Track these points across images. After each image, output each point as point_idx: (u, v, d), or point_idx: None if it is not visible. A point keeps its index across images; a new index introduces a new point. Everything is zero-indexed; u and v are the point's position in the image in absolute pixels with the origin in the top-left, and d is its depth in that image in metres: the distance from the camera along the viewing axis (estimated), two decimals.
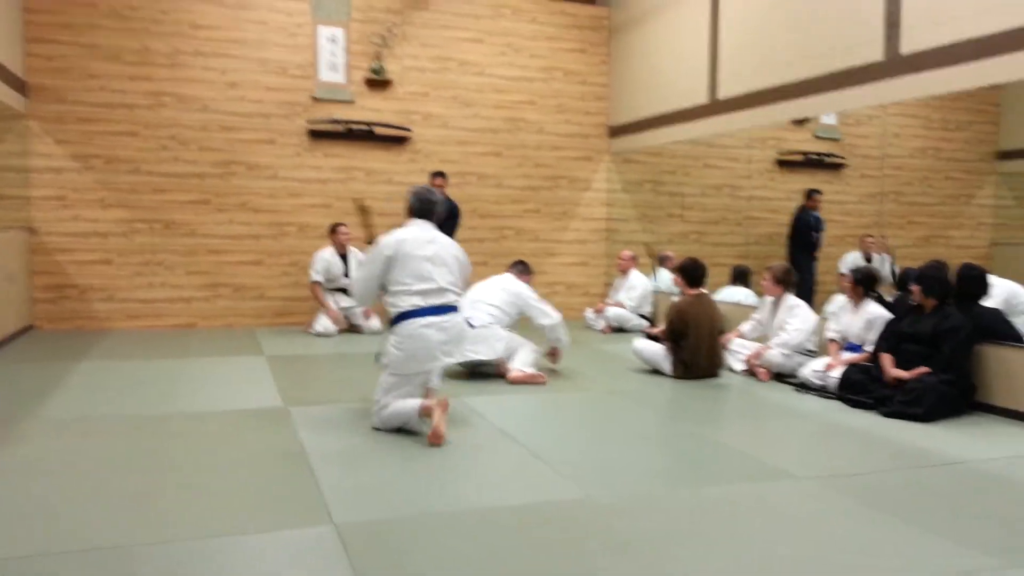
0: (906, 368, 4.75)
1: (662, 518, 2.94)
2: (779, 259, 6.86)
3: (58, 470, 3.33)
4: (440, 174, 7.51)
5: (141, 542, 2.61)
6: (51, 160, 7.16)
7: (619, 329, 7.85)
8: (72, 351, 6.10)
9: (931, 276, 4.83)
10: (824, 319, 5.72)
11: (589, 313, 8.17)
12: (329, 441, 3.86)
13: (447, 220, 7.36)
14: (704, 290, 5.82)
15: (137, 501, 2.99)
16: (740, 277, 7.28)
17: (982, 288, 4.91)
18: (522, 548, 2.65)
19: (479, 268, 8.47)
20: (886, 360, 4.85)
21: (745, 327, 5.99)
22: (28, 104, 7.06)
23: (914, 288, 4.85)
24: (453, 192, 7.82)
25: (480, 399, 4.80)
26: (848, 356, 5.24)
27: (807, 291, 6.92)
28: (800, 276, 7.00)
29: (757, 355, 5.67)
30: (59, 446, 3.67)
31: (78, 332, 7.11)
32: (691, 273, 5.77)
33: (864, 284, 5.34)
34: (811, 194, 7.20)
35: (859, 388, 4.85)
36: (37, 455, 3.53)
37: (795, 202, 7.29)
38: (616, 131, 8.83)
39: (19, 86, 6.81)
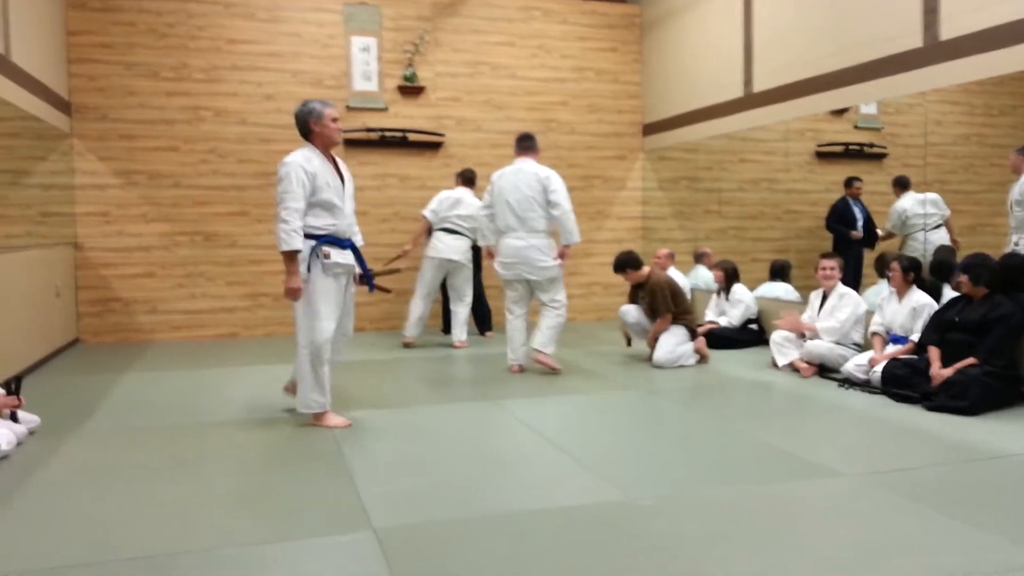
0: (952, 358, 4.65)
1: (705, 519, 2.90)
2: (820, 253, 6.75)
3: (104, 481, 3.40)
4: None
5: (184, 550, 2.64)
6: (95, 177, 7.33)
7: None
8: (117, 363, 6.23)
9: (979, 265, 4.73)
10: (870, 312, 5.63)
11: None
12: (367, 446, 3.89)
13: None
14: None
15: (180, 510, 3.03)
16: (779, 272, 7.17)
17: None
18: (562, 551, 2.63)
19: None
20: (933, 354, 4.73)
21: None
22: (71, 123, 7.24)
23: (962, 279, 4.75)
24: None
25: (517, 401, 4.79)
26: (891, 350, 5.14)
27: (848, 283, 6.80)
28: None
29: (791, 322, 5.70)
30: (105, 457, 3.75)
31: (123, 344, 7.27)
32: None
33: (912, 272, 5.23)
34: (851, 182, 7.07)
35: (903, 382, 4.74)
36: (84, 466, 3.61)
37: (836, 194, 7.16)
38: (650, 128, 8.77)
39: (63, 106, 6.99)
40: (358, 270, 4.38)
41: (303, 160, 4.09)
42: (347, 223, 4.25)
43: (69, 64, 7.21)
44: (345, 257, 4.23)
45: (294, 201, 4.00)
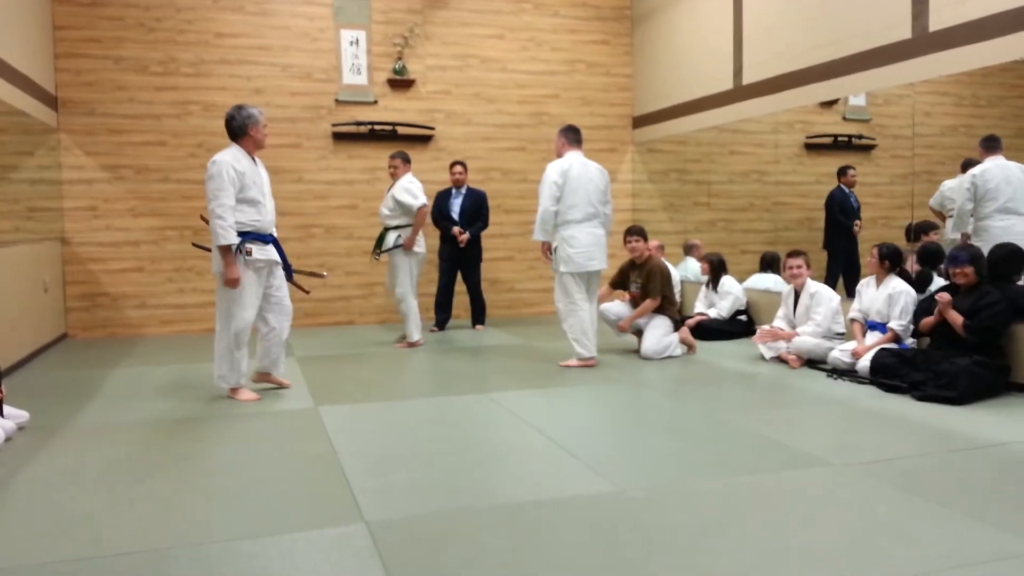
0: (940, 346, 4.70)
1: (695, 509, 2.91)
2: (809, 244, 6.77)
3: (93, 476, 3.38)
4: (458, 163, 7.55)
5: (175, 545, 2.64)
6: (82, 172, 7.29)
7: None
8: (106, 358, 6.21)
9: (981, 256, 4.78)
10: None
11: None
12: (359, 440, 3.89)
13: (475, 211, 7.39)
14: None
15: (170, 504, 3.03)
16: (769, 264, 7.19)
17: (1014, 266, 4.82)
18: (553, 542, 2.63)
19: (505, 263, 8.50)
20: (943, 302, 4.75)
21: (776, 325, 5.90)
22: (59, 118, 7.19)
23: (967, 270, 4.74)
24: (483, 188, 7.84)
25: (508, 394, 4.80)
26: (872, 340, 5.18)
27: (841, 276, 6.81)
28: (834, 259, 6.87)
29: (773, 334, 5.72)
30: (94, 452, 3.73)
31: (111, 339, 7.24)
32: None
33: (891, 260, 5.27)
34: (844, 170, 7.07)
35: (891, 372, 4.78)
36: (73, 461, 3.59)
37: (825, 186, 7.18)
38: (640, 121, 8.77)
39: (50, 101, 6.95)
40: (280, 261, 4.79)
41: (232, 159, 4.47)
42: (269, 219, 4.66)
43: (56, 59, 7.16)
44: (266, 252, 4.64)
45: (227, 198, 4.39)
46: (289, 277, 4.97)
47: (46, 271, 6.73)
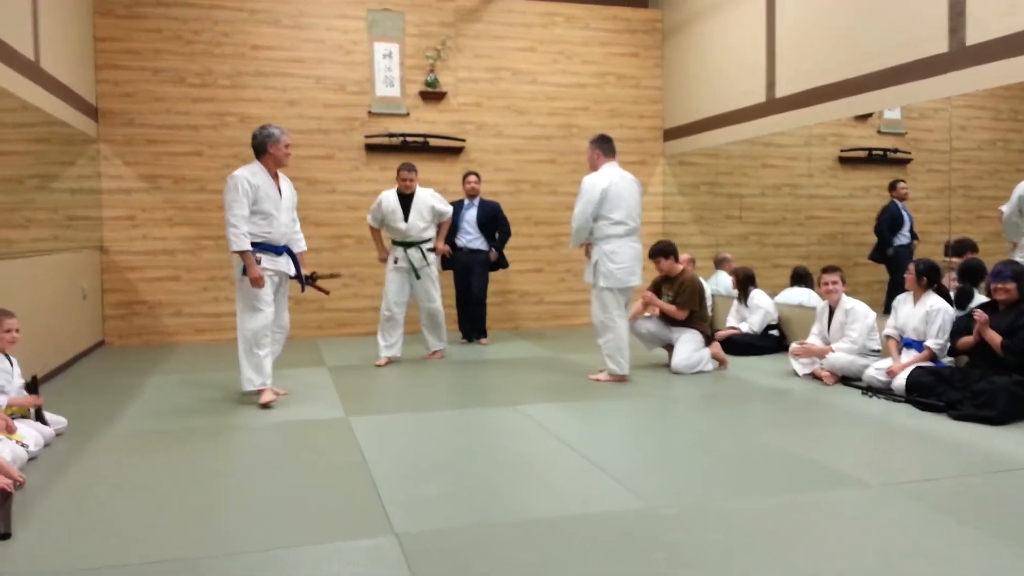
0: (978, 364, 4.61)
1: (727, 528, 2.88)
2: (843, 259, 6.70)
3: (128, 483, 3.43)
4: (472, 173, 7.52)
5: (207, 555, 2.67)
6: (121, 181, 7.43)
7: None
8: (142, 365, 6.31)
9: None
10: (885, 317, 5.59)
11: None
12: (389, 451, 3.91)
13: (488, 222, 7.38)
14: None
15: (202, 513, 3.06)
16: (801, 278, 7.12)
17: None
18: (583, 559, 2.63)
19: (535, 275, 8.50)
20: (981, 321, 4.67)
21: (810, 341, 5.83)
22: (99, 128, 7.34)
23: (1010, 286, 4.66)
24: (507, 201, 7.85)
25: (537, 407, 4.79)
26: (907, 358, 5.10)
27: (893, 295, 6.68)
28: (897, 273, 6.70)
29: (807, 350, 5.64)
30: (130, 459, 3.79)
31: (147, 347, 7.35)
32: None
33: (928, 276, 5.18)
34: (895, 184, 6.96)
35: (927, 390, 4.69)
36: (109, 468, 3.65)
37: (859, 200, 7.10)
38: (671, 134, 8.75)
39: (90, 112, 7.10)
40: (292, 272, 5.05)
41: (249, 174, 4.78)
42: (282, 232, 4.92)
43: (97, 70, 7.31)
44: (275, 263, 4.92)
45: (239, 208, 4.70)
46: (307, 282, 5.21)
47: (84, 279, 6.86)
